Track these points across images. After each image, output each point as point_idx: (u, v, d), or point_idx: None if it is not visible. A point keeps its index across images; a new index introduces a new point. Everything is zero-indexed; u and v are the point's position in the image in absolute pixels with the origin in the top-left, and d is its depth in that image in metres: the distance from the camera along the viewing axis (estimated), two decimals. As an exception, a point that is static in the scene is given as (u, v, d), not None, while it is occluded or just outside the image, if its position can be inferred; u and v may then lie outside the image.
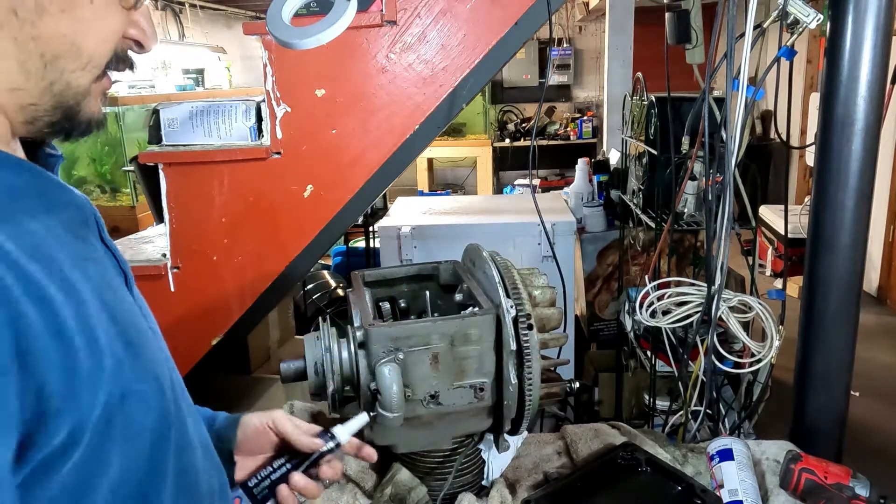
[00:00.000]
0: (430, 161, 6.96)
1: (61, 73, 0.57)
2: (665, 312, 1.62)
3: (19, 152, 0.61)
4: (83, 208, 0.64)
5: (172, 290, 1.78)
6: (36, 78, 0.56)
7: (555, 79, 7.09)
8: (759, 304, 1.55)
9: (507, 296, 1.07)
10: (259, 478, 0.90)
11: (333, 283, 3.67)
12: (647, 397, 2.05)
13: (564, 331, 1.20)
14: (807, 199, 3.49)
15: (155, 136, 1.78)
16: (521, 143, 6.97)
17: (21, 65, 0.55)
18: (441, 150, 6.64)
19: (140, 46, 0.64)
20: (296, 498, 0.91)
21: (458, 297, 1.20)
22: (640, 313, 1.64)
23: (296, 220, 1.74)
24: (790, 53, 1.37)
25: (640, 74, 2.22)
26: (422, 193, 6.34)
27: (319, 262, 2.57)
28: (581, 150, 6.20)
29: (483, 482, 1.24)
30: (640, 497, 1.15)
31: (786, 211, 1.87)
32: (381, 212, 3.07)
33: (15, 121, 0.58)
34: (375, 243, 3.29)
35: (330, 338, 1.05)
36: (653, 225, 1.99)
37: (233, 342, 1.85)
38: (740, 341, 1.56)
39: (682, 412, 1.70)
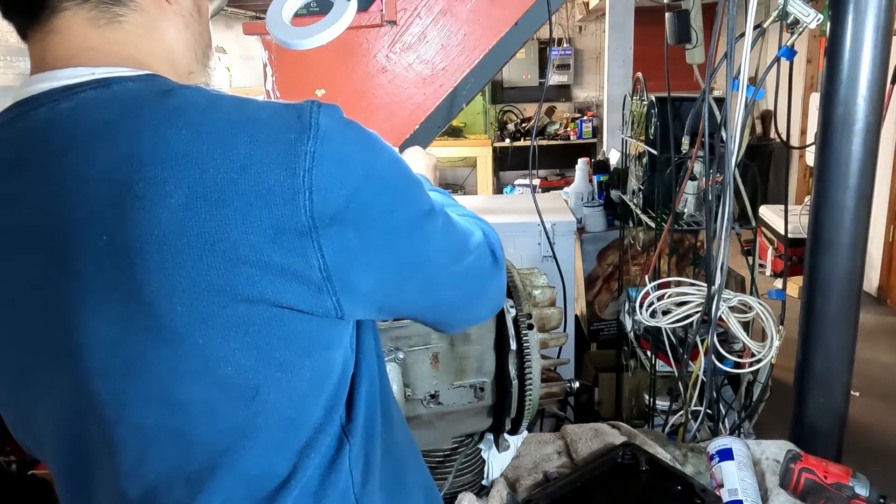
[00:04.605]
0: (429, 161, 6.94)
1: (208, 60, 0.74)
2: (665, 312, 1.62)
3: None
4: None
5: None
6: (201, 65, 0.73)
7: (555, 79, 7.08)
8: (759, 304, 1.55)
9: (507, 295, 1.07)
10: None
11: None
12: (647, 397, 2.05)
13: (564, 331, 1.21)
14: (807, 199, 3.49)
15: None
16: (521, 143, 6.95)
17: (195, 53, 0.71)
18: (441, 150, 6.62)
19: None
20: None
21: (459, 296, 1.19)
22: (640, 313, 1.64)
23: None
24: (790, 53, 1.37)
25: (640, 74, 2.22)
26: (422, 193, 6.32)
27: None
28: (581, 150, 6.19)
29: (483, 482, 1.24)
30: (640, 497, 1.15)
31: (786, 211, 1.87)
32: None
33: None
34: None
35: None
36: (653, 225, 1.99)
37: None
38: (740, 341, 1.56)
39: (682, 412, 1.70)
